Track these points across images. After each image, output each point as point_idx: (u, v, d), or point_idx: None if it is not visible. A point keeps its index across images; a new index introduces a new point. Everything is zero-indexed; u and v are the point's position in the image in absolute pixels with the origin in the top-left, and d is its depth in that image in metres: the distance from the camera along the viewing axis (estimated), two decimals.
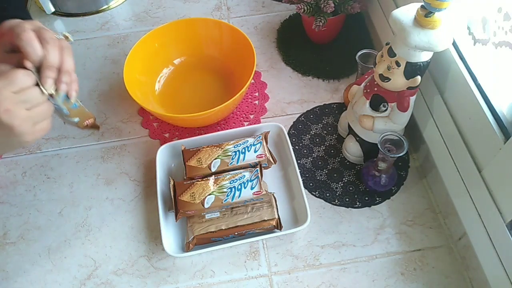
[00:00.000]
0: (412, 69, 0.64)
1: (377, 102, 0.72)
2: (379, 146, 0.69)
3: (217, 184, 0.73)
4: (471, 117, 0.64)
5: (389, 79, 0.66)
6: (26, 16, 0.72)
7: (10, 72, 0.51)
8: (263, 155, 0.77)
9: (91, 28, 1.07)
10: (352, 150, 0.80)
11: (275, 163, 0.78)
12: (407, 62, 0.64)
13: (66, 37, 0.58)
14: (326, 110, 0.89)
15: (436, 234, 0.74)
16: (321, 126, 0.87)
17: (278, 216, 0.73)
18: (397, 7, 0.65)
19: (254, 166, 0.76)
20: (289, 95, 0.92)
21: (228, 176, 0.74)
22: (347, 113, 0.82)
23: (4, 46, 0.54)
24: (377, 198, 0.78)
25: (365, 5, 0.90)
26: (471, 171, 0.64)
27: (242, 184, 0.73)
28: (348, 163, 0.82)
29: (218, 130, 0.87)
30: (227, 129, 0.87)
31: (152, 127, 0.89)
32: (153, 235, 0.76)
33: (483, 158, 0.62)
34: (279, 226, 0.72)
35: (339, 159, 0.83)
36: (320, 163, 0.82)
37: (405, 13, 0.62)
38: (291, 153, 0.78)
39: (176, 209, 0.72)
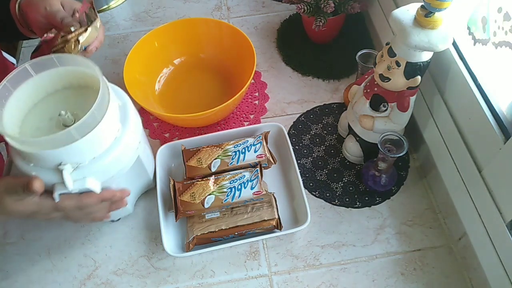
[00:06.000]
0: (412, 69, 0.64)
1: (377, 102, 0.72)
2: (379, 146, 0.69)
3: (217, 184, 0.73)
4: (471, 117, 0.64)
5: (389, 79, 0.66)
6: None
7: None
8: (263, 155, 0.77)
9: None
10: (352, 150, 0.80)
11: (275, 163, 0.78)
12: (407, 62, 0.64)
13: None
14: (326, 110, 0.89)
15: (436, 234, 0.74)
16: (321, 126, 0.87)
17: (278, 216, 0.73)
18: (397, 7, 0.65)
19: (254, 166, 0.76)
20: (289, 95, 0.92)
21: (228, 176, 0.74)
22: (347, 113, 0.82)
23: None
24: (377, 198, 0.78)
25: (365, 5, 0.90)
26: (471, 171, 0.64)
27: (242, 184, 0.73)
28: (348, 163, 0.82)
29: (218, 130, 0.87)
30: (227, 129, 0.87)
31: (152, 127, 0.89)
32: (153, 235, 0.76)
33: (483, 158, 0.62)
34: (279, 226, 0.72)
35: (339, 159, 0.83)
36: (320, 163, 0.82)
37: (405, 13, 0.62)
38: (291, 153, 0.78)
39: (176, 209, 0.72)
